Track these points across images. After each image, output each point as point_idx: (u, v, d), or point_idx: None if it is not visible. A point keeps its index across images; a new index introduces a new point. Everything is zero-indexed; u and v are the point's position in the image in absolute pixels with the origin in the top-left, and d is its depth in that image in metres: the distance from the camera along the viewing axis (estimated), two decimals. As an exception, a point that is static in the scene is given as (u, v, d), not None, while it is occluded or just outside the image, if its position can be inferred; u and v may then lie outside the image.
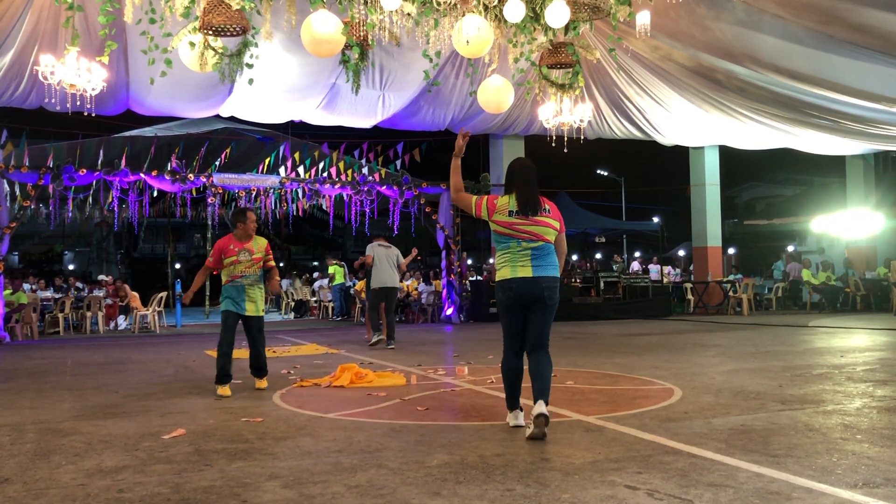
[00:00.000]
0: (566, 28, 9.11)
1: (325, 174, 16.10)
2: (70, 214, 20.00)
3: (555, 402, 5.57)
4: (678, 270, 20.19)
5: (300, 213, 19.96)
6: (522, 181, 4.55)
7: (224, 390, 6.22)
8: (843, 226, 19.76)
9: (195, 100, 12.52)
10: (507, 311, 4.57)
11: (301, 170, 16.21)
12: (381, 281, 10.55)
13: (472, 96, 11.24)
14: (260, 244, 6.51)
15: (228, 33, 8.01)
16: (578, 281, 17.66)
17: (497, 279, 4.61)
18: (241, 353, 9.91)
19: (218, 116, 14.53)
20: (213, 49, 8.26)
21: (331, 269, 17.86)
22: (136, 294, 15.73)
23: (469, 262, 18.96)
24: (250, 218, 6.46)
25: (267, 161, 17.07)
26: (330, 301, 18.15)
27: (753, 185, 35.06)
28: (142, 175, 13.88)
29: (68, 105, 8.57)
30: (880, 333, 11.25)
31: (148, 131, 17.24)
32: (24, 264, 32.92)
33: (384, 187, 15.71)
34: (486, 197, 4.65)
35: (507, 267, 4.54)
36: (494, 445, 4.16)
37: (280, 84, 11.99)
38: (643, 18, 8.50)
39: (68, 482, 3.56)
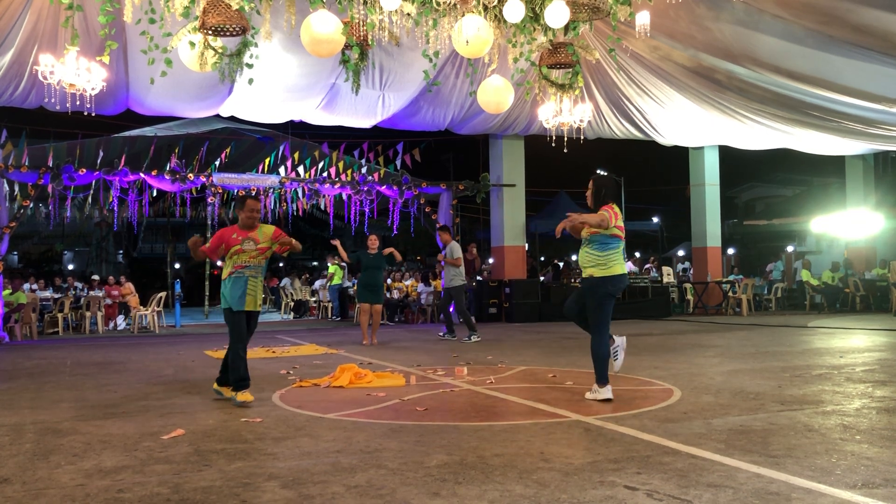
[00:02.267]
0: (566, 28, 9.10)
1: (324, 174, 16.10)
2: (69, 214, 20.01)
3: (554, 402, 5.57)
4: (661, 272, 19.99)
5: (300, 212, 19.97)
6: (615, 195, 5.66)
7: (246, 395, 5.74)
8: (843, 226, 19.77)
9: (195, 100, 12.51)
10: (612, 300, 5.56)
11: (301, 170, 16.22)
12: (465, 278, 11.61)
13: (472, 96, 11.23)
14: (266, 232, 6.08)
15: (228, 33, 8.01)
16: (578, 281, 17.64)
17: (612, 273, 5.50)
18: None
19: (218, 116, 14.52)
20: (213, 49, 8.25)
21: (330, 269, 17.83)
22: (135, 294, 15.73)
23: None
24: (248, 206, 6.06)
25: (267, 161, 17.08)
26: (330, 301, 18.13)
27: (753, 185, 35.05)
28: (141, 175, 13.89)
29: (68, 105, 8.56)
30: (879, 334, 11.25)
31: (148, 131, 17.26)
32: (24, 264, 32.92)
33: (384, 187, 15.71)
34: (614, 206, 5.59)
35: (619, 264, 5.54)
36: (493, 446, 4.16)
37: (280, 84, 11.98)
38: (643, 18, 8.50)
39: (67, 482, 3.56)
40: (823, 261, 20.42)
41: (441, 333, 11.47)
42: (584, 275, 5.66)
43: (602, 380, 5.55)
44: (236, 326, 5.91)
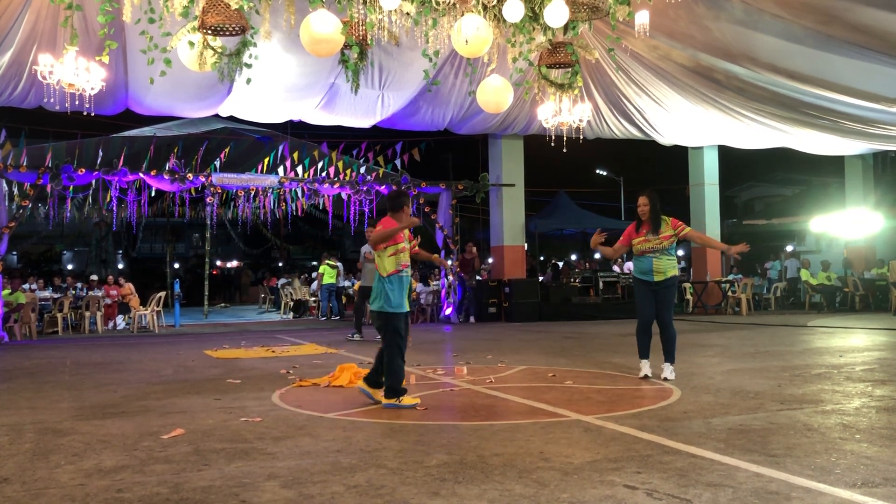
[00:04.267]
0: (565, 28, 9.10)
1: (323, 174, 16.09)
2: (69, 214, 20.01)
3: (554, 401, 5.58)
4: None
5: (299, 212, 19.97)
6: None
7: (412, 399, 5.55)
8: (842, 226, 19.77)
9: (194, 99, 12.50)
10: None
11: (300, 169, 16.21)
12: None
13: (472, 96, 11.22)
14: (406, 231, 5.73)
15: (227, 33, 8.00)
16: (578, 281, 17.67)
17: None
18: (239, 352, 9.90)
19: (217, 116, 14.51)
20: (212, 49, 8.25)
21: (321, 269, 17.78)
22: (135, 295, 15.72)
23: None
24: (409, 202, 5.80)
25: (266, 161, 17.07)
26: (320, 301, 18.08)
27: (752, 184, 35.02)
28: (141, 175, 13.88)
29: (67, 105, 8.55)
30: (879, 333, 11.25)
31: (147, 131, 17.25)
32: (24, 264, 32.91)
33: (383, 187, 15.71)
34: None
35: None
36: (493, 445, 4.16)
37: (279, 84, 11.97)
38: (642, 18, 8.49)
39: (67, 482, 3.56)
40: (825, 260, 20.42)
41: (350, 335, 11.52)
42: (658, 278, 6.52)
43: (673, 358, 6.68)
44: (402, 328, 5.53)
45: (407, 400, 5.44)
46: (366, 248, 11.36)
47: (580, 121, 10.14)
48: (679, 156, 19.17)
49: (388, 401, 5.44)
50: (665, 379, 6.49)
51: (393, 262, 5.53)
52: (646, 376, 6.64)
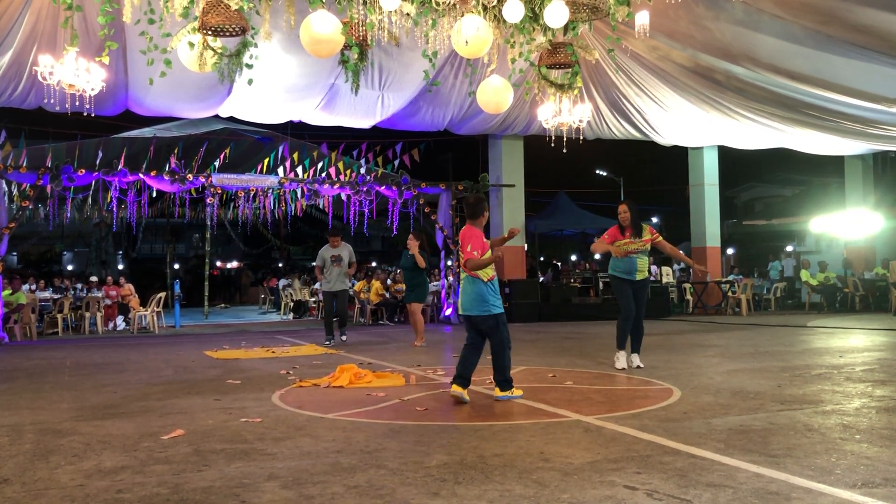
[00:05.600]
0: (565, 28, 9.10)
1: (323, 174, 16.10)
2: (69, 215, 20.01)
3: (554, 402, 5.58)
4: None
5: (299, 213, 19.96)
6: None
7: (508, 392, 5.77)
8: (842, 226, 19.78)
9: (194, 100, 12.50)
10: None
11: (300, 170, 16.21)
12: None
13: (472, 96, 11.23)
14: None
15: (227, 33, 8.00)
16: (578, 281, 17.67)
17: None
18: (239, 353, 9.90)
19: (217, 117, 14.51)
20: (213, 49, 8.24)
21: None
22: (135, 296, 15.72)
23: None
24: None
25: (266, 161, 17.07)
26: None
27: (752, 185, 35.04)
28: (141, 175, 13.87)
29: (67, 105, 8.54)
30: (879, 334, 11.25)
31: (147, 132, 17.25)
32: (24, 265, 32.90)
33: (383, 187, 15.70)
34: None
35: None
36: (493, 446, 4.16)
37: (279, 84, 11.97)
38: (642, 18, 8.49)
39: (67, 483, 3.56)
40: (822, 260, 20.44)
41: (343, 338, 11.24)
42: (639, 277, 7.52)
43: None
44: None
45: (515, 391, 5.78)
46: (335, 252, 11.20)
47: (580, 121, 10.14)
48: (679, 156, 19.17)
49: (503, 393, 5.74)
50: (637, 367, 7.43)
51: (492, 268, 5.81)
52: (623, 368, 7.34)
